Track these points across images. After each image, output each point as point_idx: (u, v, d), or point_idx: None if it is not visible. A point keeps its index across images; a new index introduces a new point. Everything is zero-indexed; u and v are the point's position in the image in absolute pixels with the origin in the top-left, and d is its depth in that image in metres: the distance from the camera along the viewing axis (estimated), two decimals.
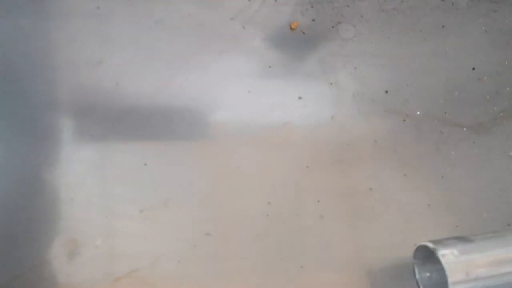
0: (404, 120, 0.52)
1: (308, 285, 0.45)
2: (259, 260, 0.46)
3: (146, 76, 0.51)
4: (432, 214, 0.48)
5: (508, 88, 0.55)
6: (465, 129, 0.53)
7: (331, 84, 0.53)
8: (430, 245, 0.38)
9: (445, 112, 0.53)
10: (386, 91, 0.53)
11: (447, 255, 0.36)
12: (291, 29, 0.55)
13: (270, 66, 0.53)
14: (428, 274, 0.41)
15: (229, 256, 0.45)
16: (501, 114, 0.53)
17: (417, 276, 0.41)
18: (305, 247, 0.46)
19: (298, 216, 0.48)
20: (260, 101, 0.52)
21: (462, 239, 0.38)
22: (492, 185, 0.50)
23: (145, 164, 0.48)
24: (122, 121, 0.49)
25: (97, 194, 0.46)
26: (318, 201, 0.48)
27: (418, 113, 0.53)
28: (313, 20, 0.56)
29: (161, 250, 0.45)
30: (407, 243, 0.47)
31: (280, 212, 0.48)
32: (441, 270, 0.41)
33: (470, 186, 0.50)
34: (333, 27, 0.56)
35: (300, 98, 0.52)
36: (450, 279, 0.35)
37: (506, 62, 0.56)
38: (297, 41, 0.54)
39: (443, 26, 0.57)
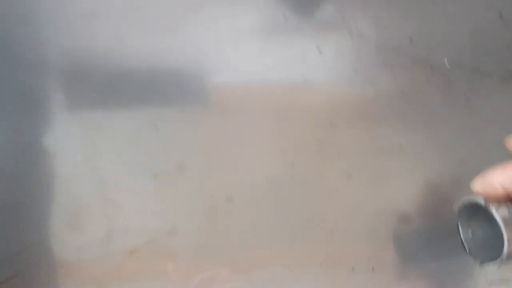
0: (431, 70, 0.48)
1: (339, 250, 0.42)
2: (285, 227, 0.42)
3: (148, 32, 0.46)
4: (466, 170, 0.45)
5: None
6: (495, 78, 0.49)
7: (352, 34, 0.48)
8: (480, 200, 0.34)
9: (474, 60, 0.49)
10: (411, 40, 0.49)
11: (502, 210, 0.33)
12: None
13: (284, 16, 0.48)
14: (471, 233, 0.38)
15: (252, 222, 0.42)
16: None
17: (462, 236, 0.38)
18: (333, 210, 0.43)
19: (324, 177, 0.44)
20: (276, 55, 0.47)
21: None
22: None
23: (155, 125, 0.43)
24: (126, 83, 0.45)
25: (104, 160, 0.42)
26: (345, 160, 0.45)
27: (446, 61, 0.49)
28: None
29: (179, 217, 0.41)
30: (441, 203, 0.44)
31: (305, 173, 0.44)
32: (487, 228, 0.38)
33: (504, 140, 0.47)
34: None
35: (319, 50, 0.48)
36: (507, 236, 0.32)
37: None
38: None
39: None
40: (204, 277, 0.40)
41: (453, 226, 0.39)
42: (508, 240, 0.33)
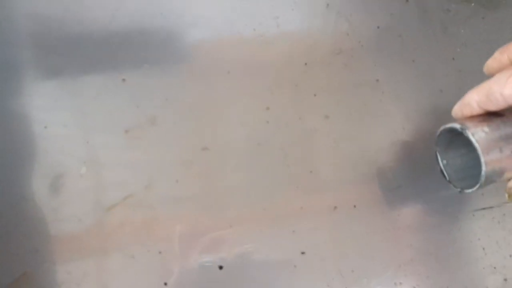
0: (406, 0, 0.46)
1: (319, 189, 0.41)
2: (264, 170, 0.41)
3: None
4: (446, 100, 0.44)
5: None
6: (472, 4, 0.47)
7: None
8: (456, 125, 0.33)
9: None
10: None
11: (478, 133, 0.32)
12: None
13: None
14: (451, 161, 0.38)
15: (230, 170, 0.41)
16: None
17: (441, 164, 0.37)
18: (312, 151, 0.42)
19: (301, 118, 0.43)
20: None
21: (490, 114, 0.34)
22: None
23: (123, 80, 0.42)
24: (93, 40, 0.43)
25: (73, 118, 0.41)
26: (321, 100, 0.44)
27: None
28: None
29: (155, 171, 0.40)
30: (421, 135, 0.43)
31: (281, 117, 0.43)
32: (465, 155, 0.38)
33: (483, 66, 0.45)
34: None
35: None
36: (484, 159, 0.32)
37: None
38: None
39: None
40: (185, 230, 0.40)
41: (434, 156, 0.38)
42: (486, 163, 0.32)
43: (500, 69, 0.35)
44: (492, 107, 0.33)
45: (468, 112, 0.34)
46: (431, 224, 0.42)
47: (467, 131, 0.33)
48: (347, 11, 0.45)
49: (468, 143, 0.33)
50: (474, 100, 0.33)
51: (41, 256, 0.38)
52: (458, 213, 0.42)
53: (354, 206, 0.41)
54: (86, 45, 0.43)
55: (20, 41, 0.42)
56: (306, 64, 0.44)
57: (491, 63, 0.36)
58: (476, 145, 0.32)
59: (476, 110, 0.33)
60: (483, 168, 0.32)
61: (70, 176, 0.39)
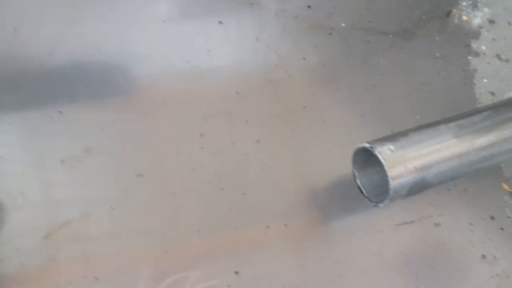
0: (330, 34, 0.50)
1: (252, 211, 0.44)
2: (198, 195, 0.43)
3: (47, 23, 0.46)
4: (367, 124, 0.48)
5: None
6: (390, 36, 0.52)
7: (252, 4, 0.50)
8: (366, 144, 0.37)
9: (370, 22, 0.52)
10: (309, 6, 0.51)
11: (384, 151, 0.36)
12: None
13: None
14: (368, 178, 0.41)
15: (165, 195, 0.43)
16: (424, 17, 0.53)
17: (358, 181, 0.40)
18: (245, 174, 0.45)
19: (234, 144, 0.46)
20: (177, 30, 0.48)
21: (397, 134, 0.38)
22: (422, 87, 0.50)
23: (60, 112, 0.43)
24: (31, 76, 0.44)
25: (9, 148, 0.42)
26: (253, 126, 0.46)
27: (343, 25, 0.51)
28: None
29: (91, 198, 0.41)
30: (346, 156, 0.46)
31: (215, 143, 0.45)
32: (380, 172, 0.41)
33: (401, 92, 0.50)
34: None
35: (220, 22, 0.49)
36: (390, 174, 0.35)
37: None
38: None
39: None
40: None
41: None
42: (392, 178, 0.35)
43: None
44: None
45: None
46: (358, 239, 0.44)
47: (374, 150, 0.36)
48: (275, 44, 0.49)
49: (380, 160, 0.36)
50: None
51: None
52: (381, 228, 0.45)
53: (286, 225, 0.44)
54: (24, 81, 0.44)
55: None
56: (238, 93, 0.47)
57: None
58: (383, 161, 0.35)
59: None
60: (390, 182, 0.35)
61: (6, 206, 0.40)
